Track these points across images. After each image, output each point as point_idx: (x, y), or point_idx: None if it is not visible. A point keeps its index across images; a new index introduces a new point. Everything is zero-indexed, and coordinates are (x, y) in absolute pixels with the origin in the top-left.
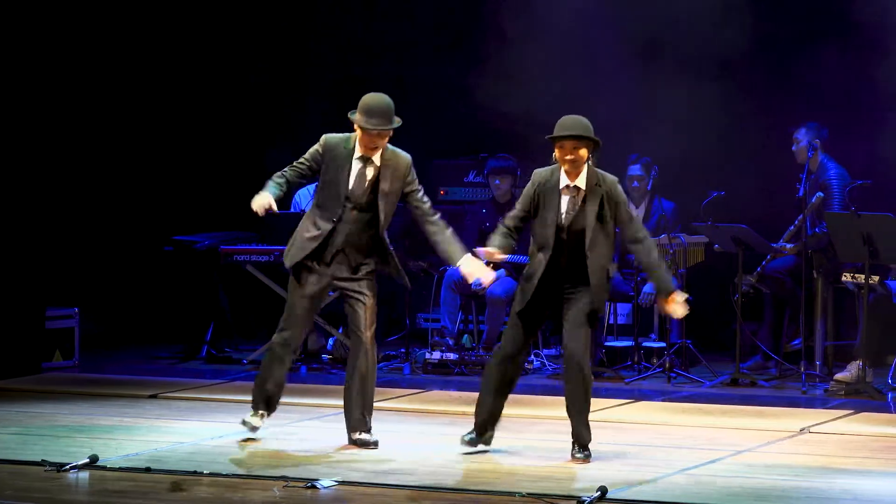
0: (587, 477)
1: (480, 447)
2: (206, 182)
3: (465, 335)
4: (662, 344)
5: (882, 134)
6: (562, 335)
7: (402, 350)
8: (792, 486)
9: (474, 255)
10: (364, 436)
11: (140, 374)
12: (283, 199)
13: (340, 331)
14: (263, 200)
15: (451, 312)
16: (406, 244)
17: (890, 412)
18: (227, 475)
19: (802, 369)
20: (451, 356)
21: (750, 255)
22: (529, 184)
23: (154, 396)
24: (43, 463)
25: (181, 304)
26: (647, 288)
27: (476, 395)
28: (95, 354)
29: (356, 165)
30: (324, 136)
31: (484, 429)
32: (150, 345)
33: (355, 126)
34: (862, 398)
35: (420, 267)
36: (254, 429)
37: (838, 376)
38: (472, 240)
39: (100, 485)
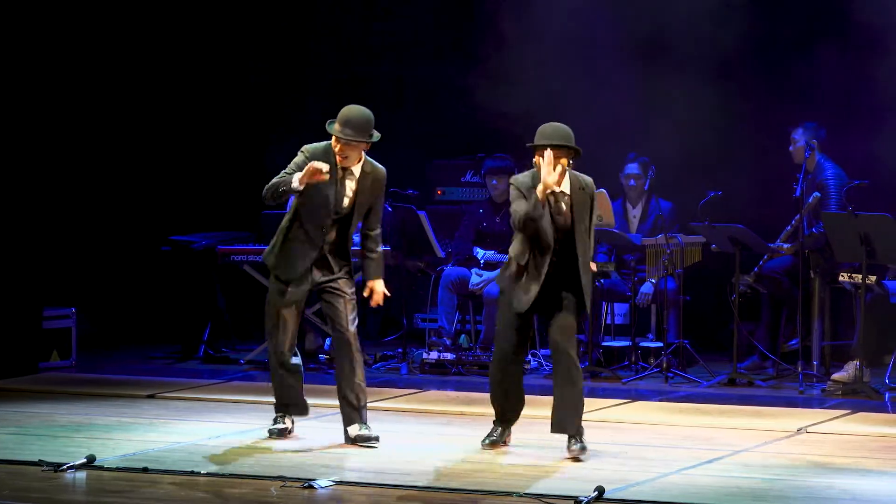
0: (585, 477)
1: (498, 435)
2: (204, 182)
3: (463, 335)
4: (660, 344)
5: (880, 134)
6: (550, 332)
7: (400, 350)
8: (789, 486)
9: (473, 256)
10: (364, 432)
11: (137, 374)
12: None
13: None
14: (320, 165)
15: (448, 312)
16: (403, 244)
17: (887, 412)
18: (224, 475)
19: (800, 369)
20: (449, 356)
21: (747, 255)
22: (516, 189)
23: (151, 396)
24: (40, 463)
25: (178, 304)
26: (645, 288)
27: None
28: (93, 354)
29: (338, 178)
30: (305, 147)
31: (504, 415)
32: (147, 345)
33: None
34: (859, 398)
35: (417, 267)
36: (282, 431)
37: (835, 376)
38: (469, 240)
39: (97, 485)
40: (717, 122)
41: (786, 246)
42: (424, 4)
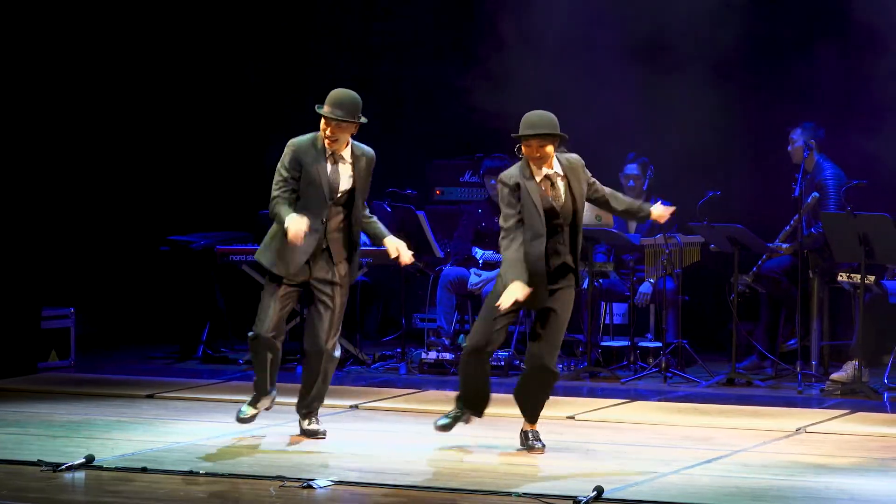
0: (584, 476)
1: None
2: (203, 182)
3: (461, 335)
4: (658, 344)
5: (879, 134)
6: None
7: (399, 350)
8: (788, 486)
9: (472, 256)
10: (314, 426)
11: (136, 374)
12: None
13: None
14: (301, 225)
15: (446, 312)
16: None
17: (886, 412)
18: (223, 475)
19: (798, 369)
20: (448, 356)
21: (746, 255)
22: (504, 188)
23: (151, 396)
24: (39, 463)
25: (177, 304)
26: (643, 288)
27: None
28: (91, 354)
29: (329, 165)
30: (290, 142)
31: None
32: (146, 345)
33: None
34: (858, 398)
35: (416, 267)
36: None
37: (834, 376)
38: (468, 240)
39: (96, 485)
40: (716, 122)
41: (784, 246)
42: (424, 4)
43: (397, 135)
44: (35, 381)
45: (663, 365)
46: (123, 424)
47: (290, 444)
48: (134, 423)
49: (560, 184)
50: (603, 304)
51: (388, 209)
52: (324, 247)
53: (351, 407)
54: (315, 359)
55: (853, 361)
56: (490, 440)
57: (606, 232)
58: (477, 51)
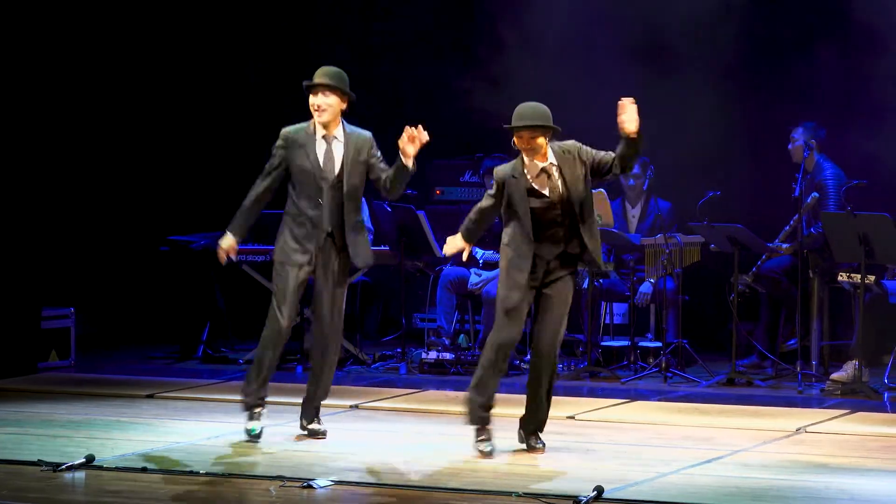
0: (584, 476)
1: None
2: (203, 182)
3: (462, 335)
4: (659, 344)
5: (879, 134)
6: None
7: (399, 350)
8: (788, 486)
9: (472, 257)
10: (316, 426)
11: (136, 374)
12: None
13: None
14: (226, 245)
15: (447, 312)
16: (402, 244)
17: (886, 412)
18: (223, 475)
19: (799, 369)
20: (448, 356)
21: (746, 255)
22: (494, 183)
23: (151, 396)
24: (39, 463)
25: (177, 304)
26: (643, 288)
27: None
28: (91, 354)
29: (321, 146)
30: (282, 130)
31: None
32: (146, 345)
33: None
34: (858, 398)
35: (416, 267)
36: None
37: (834, 376)
38: None
39: (96, 485)
40: (716, 122)
41: (784, 246)
42: (424, 4)
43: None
44: (35, 381)
45: (663, 365)
46: (123, 424)
47: (290, 444)
48: (134, 423)
49: (556, 174)
50: (603, 304)
51: (388, 209)
52: (327, 231)
53: (351, 407)
54: (322, 341)
55: (853, 361)
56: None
57: (606, 232)
58: (477, 51)
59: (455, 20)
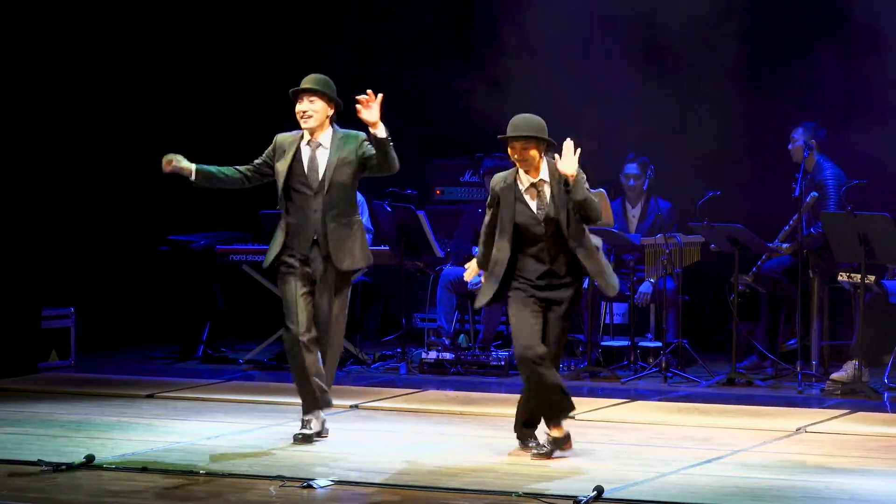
0: (584, 476)
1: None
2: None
3: (462, 335)
4: (659, 343)
5: (879, 134)
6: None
7: (399, 350)
8: (788, 486)
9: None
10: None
11: (136, 374)
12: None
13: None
14: (167, 157)
15: (447, 312)
16: (402, 244)
17: (886, 412)
18: (223, 475)
19: (799, 369)
20: (448, 356)
21: (746, 255)
22: (491, 192)
23: (151, 396)
24: (39, 463)
25: (177, 304)
26: (643, 288)
27: (473, 394)
28: (92, 354)
29: (306, 152)
30: (276, 136)
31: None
32: (146, 344)
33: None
34: (858, 398)
35: (416, 267)
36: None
37: (834, 376)
38: (468, 239)
39: (96, 485)
40: (716, 121)
41: (784, 246)
42: (424, 5)
43: (397, 134)
44: (35, 381)
45: (663, 365)
46: (123, 424)
47: (291, 443)
48: (134, 423)
49: (546, 191)
50: (603, 303)
51: (388, 209)
52: (314, 238)
53: (351, 407)
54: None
55: (853, 361)
56: (490, 440)
57: (606, 232)
58: (477, 51)
59: (455, 20)
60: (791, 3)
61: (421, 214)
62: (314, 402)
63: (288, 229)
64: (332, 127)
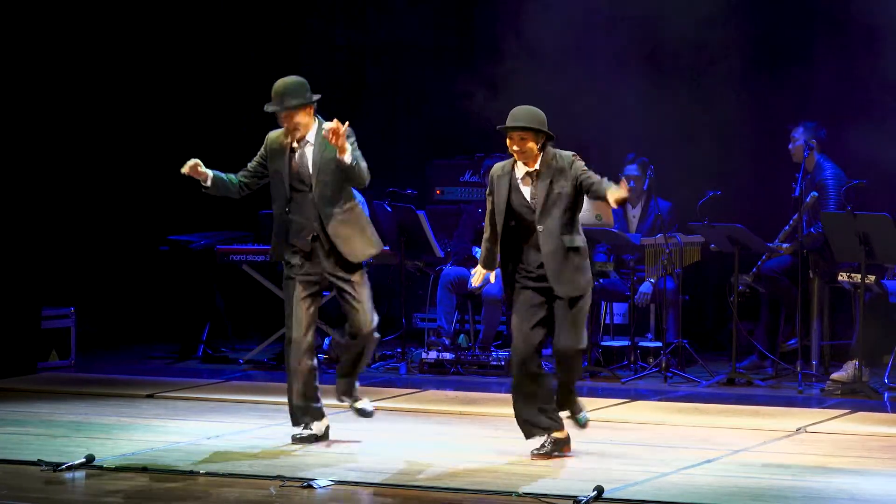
0: (584, 476)
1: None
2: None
3: (462, 335)
4: (659, 344)
5: (880, 134)
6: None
7: (399, 350)
8: (788, 486)
9: (472, 255)
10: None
11: (136, 374)
12: None
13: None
14: (192, 161)
15: (447, 312)
16: (402, 244)
17: (886, 412)
18: (223, 475)
19: (799, 369)
20: (448, 356)
21: (746, 255)
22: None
23: (151, 396)
24: (39, 463)
25: (177, 304)
26: (644, 288)
27: (473, 394)
28: (91, 354)
29: (297, 151)
30: (267, 135)
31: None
32: (146, 344)
33: None
34: (858, 398)
35: (416, 266)
36: (307, 438)
37: (835, 376)
38: (468, 239)
39: (96, 485)
40: (716, 122)
41: (784, 245)
42: (424, 5)
43: (397, 134)
44: (35, 381)
45: (663, 365)
46: (123, 424)
47: (290, 444)
48: (134, 423)
49: (540, 183)
50: (603, 303)
51: (388, 209)
52: (314, 234)
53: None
54: (359, 341)
55: (853, 361)
56: (490, 440)
57: (606, 232)
58: (477, 50)
59: (455, 20)
60: (791, 4)
61: (421, 214)
62: (298, 409)
63: (288, 227)
64: (317, 120)
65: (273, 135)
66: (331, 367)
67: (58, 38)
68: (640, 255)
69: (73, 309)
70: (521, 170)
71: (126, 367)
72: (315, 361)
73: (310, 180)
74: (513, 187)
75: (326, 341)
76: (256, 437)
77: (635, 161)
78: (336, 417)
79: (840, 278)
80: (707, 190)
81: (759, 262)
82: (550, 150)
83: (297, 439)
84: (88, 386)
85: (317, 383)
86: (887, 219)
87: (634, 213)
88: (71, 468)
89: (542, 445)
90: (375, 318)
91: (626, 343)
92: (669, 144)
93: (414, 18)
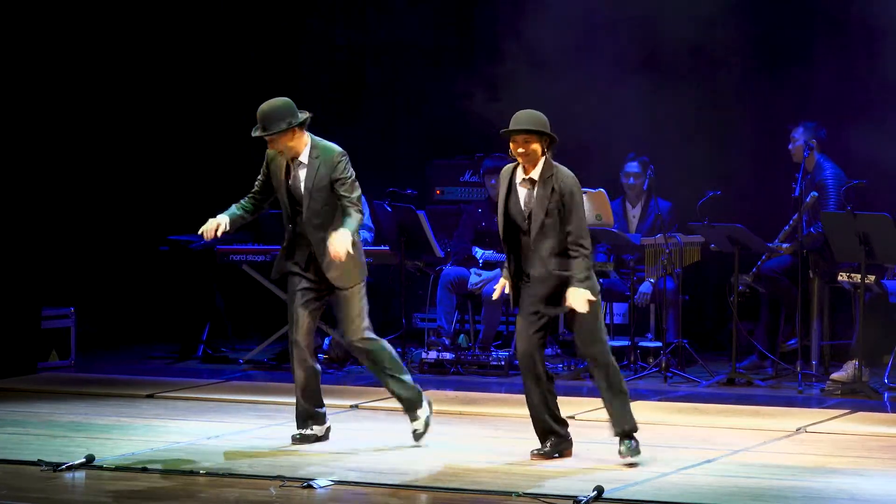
0: (584, 476)
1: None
2: (203, 182)
3: (462, 335)
4: (658, 344)
5: (880, 134)
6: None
7: (399, 350)
8: (788, 486)
9: (472, 255)
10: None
11: (136, 374)
12: None
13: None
14: (211, 224)
15: (447, 312)
16: (401, 244)
17: (886, 412)
18: (223, 475)
19: (799, 369)
20: (448, 356)
21: (746, 255)
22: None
23: (151, 396)
24: (39, 463)
25: (177, 304)
26: (643, 288)
27: (473, 394)
28: (91, 354)
29: (292, 170)
30: (267, 152)
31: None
32: (146, 344)
33: None
34: (858, 398)
35: (416, 266)
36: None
37: (834, 376)
38: (468, 239)
39: (96, 485)
40: (716, 121)
41: (785, 245)
42: (424, 5)
43: (397, 135)
44: (35, 381)
45: (663, 365)
46: (123, 424)
47: (290, 444)
48: (134, 423)
49: (537, 191)
50: (603, 303)
51: (388, 209)
52: (308, 251)
53: (351, 407)
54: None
55: (853, 361)
56: (490, 440)
57: (606, 232)
58: (477, 51)
59: (455, 20)
60: (791, 4)
61: (421, 214)
62: (302, 412)
63: (291, 240)
64: (309, 139)
65: (272, 151)
66: (330, 366)
67: (58, 38)
68: (640, 255)
69: (73, 309)
70: (520, 175)
71: (126, 367)
72: (317, 364)
73: (301, 199)
74: (511, 190)
75: (326, 341)
76: (256, 437)
77: (635, 160)
78: (336, 417)
79: (840, 278)
80: (707, 190)
81: (759, 262)
82: (552, 162)
83: (297, 439)
84: (88, 386)
85: (319, 386)
86: (887, 219)
87: (634, 213)
88: (71, 468)
89: (543, 445)
90: (365, 329)
91: (626, 343)
92: (669, 144)
93: (414, 18)
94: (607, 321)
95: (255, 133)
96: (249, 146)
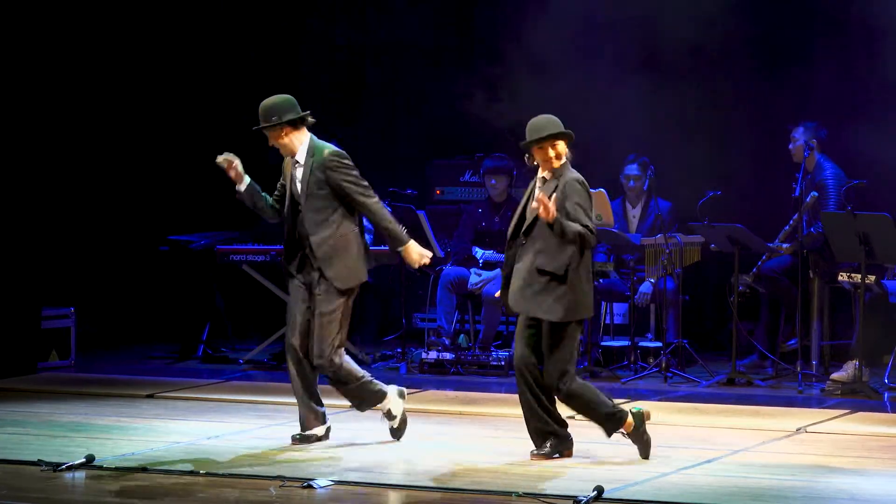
0: (584, 476)
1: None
2: (203, 182)
3: (462, 335)
4: (659, 344)
5: (879, 134)
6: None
7: (399, 350)
8: (788, 486)
9: (472, 255)
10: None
11: (136, 374)
12: None
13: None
14: (230, 157)
15: (447, 312)
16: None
17: (886, 412)
18: (223, 475)
19: (799, 369)
20: (448, 356)
21: (746, 255)
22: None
23: (151, 396)
24: (39, 463)
25: (177, 304)
26: (644, 288)
27: (473, 394)
28: (91, 354)
29: (292, 170)
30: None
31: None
32: (146, 344)
33: None
34: (858, 398)
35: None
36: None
37: (835, 376)
38: (468, 239)
39: (96, 485)
40: (716, 122)
41: (785, 245)
42: (424, 5)
43: (397, 134)
44: (35, 381)
45: (663, 365)
46: (123, 424)
47: (290, 444)
48: (134, 423)
49: (543, 191)
50: (603, 304)
51: (388, 209)
52: (301, 250)
53: (351, 407)
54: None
55: (853, 361)
56: (490, 440)
57: (606, 232)
58: (477, 51)
59: (455, 19)
60: (791, 4)
61: (421, 214)
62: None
63: (290, 238)
64: (307, 139)
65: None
66: None
67: (58, 38)
68: (640, 255)
69: (73, 309)
70: (539, 177)
71: (126, 367)
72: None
73: (299, 199)
74: (532, 194)
75: None
76: (256, 437)
77: (635, 161)
78: (336, 417)
79: (840, 278)
80: (707, 190)
81: (759, 262)
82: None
83: (297, 439)
84: (88, 386)
85: (316, 386)
86: (887, 219)
87: (634, 213)
88: (71, 468)
89: (543, 446)
90: (327, 353)
91: (626, 343)
92: (669, 144)
93: (414, 18)
94: (607, 321)
95: (256, 127)
96: (250, 146)
